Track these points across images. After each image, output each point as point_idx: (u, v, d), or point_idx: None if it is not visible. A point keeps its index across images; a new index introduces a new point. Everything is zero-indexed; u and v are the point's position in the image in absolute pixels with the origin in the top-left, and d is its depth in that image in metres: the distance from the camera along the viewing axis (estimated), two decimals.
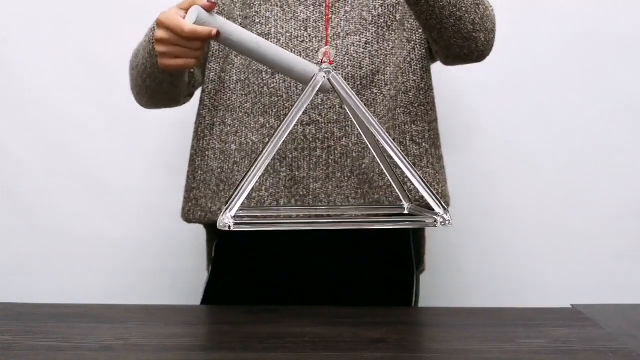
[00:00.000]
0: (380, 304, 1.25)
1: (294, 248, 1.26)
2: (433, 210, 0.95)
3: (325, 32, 1.25)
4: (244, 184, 0.89)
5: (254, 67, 1.27)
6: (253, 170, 0.90)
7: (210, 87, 1.31)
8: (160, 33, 1.05)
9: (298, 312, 1.17)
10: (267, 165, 1.24)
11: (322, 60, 0.93)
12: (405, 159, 0.91)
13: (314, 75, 0.92)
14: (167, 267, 1.76)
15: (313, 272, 1.29)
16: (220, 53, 1.30)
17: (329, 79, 0.92)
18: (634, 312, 1.21)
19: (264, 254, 1.30)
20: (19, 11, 1.72)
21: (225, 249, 1.36)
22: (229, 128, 1.29)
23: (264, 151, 0.90)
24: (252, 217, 1.08)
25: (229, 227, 0.86)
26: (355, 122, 1.01)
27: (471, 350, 0.99)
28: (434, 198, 0.91)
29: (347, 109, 0.98)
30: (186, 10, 1.04)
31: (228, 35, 1.03)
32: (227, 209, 0.88)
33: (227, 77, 1.30)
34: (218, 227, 0.86)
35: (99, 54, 1.72)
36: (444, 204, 0.90)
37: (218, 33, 1.01)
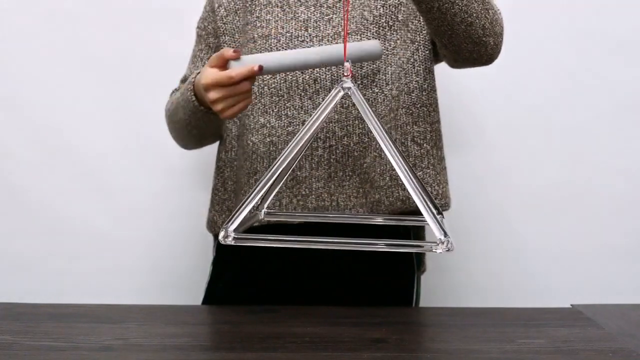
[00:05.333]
0: (381, 304, 1.25)
1: (295, 248, 1.26)
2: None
3: (325, 32, 1.26)
4: (249, 198, 0.92)
5: None
6: (259, 186, 0.93)
7: None
8: (212, 94, 1.10)
9: (298, 312, 1.17)
10: (269, 165, 1.26)
11: (344, 74, 0.96)
12: (417, 182, 0.93)
13: (334, 91, 0.96)
14: (168, 267, 1.76)
15: (313, 272, 1.29)
16: None
17: (347, 94, 0.95)
18: (634, 312, 1.21)
19: (264, 254, 1.30)
20: (20, 11, 1.71)
21: (225, 249, 1.36)
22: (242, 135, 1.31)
23: (277, 161, 0.94)
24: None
25: (230, 241, 0.91)
26: (377, 139, 1.00)
27: (471, 350, 0.99)
28: (437, 222, 0.91)
29: (367, 122, 1.00)
30: (216, 66, 1.10)
31: (267, 67, 1.09)
32: (229, 222, 0.90)
33: None
34: (220, 242, 0.91)
35: (100, 54, 1.72)
36: (445, 230, 0.91)
37: (260, 67, 1.07)
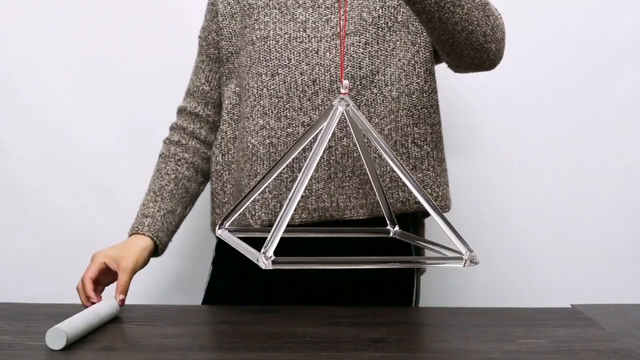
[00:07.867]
0: (381, 304, 1.25)
1: (295, 249, 1.26)
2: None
3: (323, 32, 1.26)
4: (278, 225, 0.86)
5: (254, 71, 1.28)
6: (283, 214, 0.87)
7: (227, 102, 1.35)
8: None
9: (298, 312, 1.17)
10: (269, 167, 1.26)
11: (341, 92, 0.94)
12: (431, 202, 0.91)
13: (332, 107, 0.93)
14: (168, 267, 1.76)
15: (313, 272, 1.28)
16: (235, 73, 1.34)
17: (346, 112, 0.93)
18: (634, 312, 1.21)
19: None
20: (20, 11, 1.72)
21: (225, 249, 1.36)
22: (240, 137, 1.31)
23: (293, 192, 0.88)
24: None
25: (269, 266, 0.85)
26: (361, 154, 1.03)
27: (471, 350, 0.99)
28: (459, 237, 0.89)
29: (357, 142, 1.00)
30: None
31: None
32: (265, 247, 0.85)
33: (240, 90, 1.32)
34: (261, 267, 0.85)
35: (100, 54, 1.72)
36: (468, 245, 0.89)
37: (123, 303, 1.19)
